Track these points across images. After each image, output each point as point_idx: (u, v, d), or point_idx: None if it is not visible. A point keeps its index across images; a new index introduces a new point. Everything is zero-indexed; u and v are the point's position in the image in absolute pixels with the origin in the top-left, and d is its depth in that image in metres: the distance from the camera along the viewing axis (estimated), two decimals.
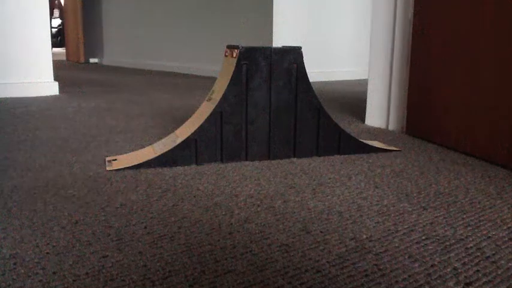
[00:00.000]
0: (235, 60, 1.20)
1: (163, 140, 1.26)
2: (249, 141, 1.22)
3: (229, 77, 1.19)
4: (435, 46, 1.44)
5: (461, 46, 1.33)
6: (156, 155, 1.16)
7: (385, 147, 1.37)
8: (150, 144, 1.41)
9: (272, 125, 1.24)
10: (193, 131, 1.17)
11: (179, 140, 1.18)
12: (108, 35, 6.17)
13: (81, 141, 1.44)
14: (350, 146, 1.31)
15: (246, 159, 1.23)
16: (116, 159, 1.20)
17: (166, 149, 1.16)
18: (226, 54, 1.27)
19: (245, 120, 1.21)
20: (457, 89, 1.35)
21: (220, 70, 1.31)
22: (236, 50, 1.20)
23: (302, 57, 1.24)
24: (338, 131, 1.30)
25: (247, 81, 1.20)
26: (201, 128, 1.18)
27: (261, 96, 1.22)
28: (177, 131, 1.26)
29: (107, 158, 1.21)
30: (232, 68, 1.19)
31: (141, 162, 1.14)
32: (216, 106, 1.18)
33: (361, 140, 1.35)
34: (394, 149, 1.37)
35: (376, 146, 1.36)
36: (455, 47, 1.35)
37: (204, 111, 1.23)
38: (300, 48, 1.23)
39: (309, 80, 1.26)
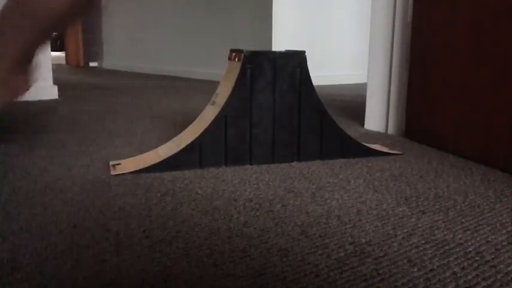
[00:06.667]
0: (239, 64, 1.19)
1: (167, 144, 1.25)
2: (253, 145, 1.22)
3: (234, 81, 1.19)
4: (434, 49, 1.45)
5: (461, 49, 1.33)
6: (161, 159, 1.15)
7: (388, 151, 1.37)
8: (150, 147, 1.41)
9: (276, 128, 1.24)
10: (197, 135, 1.17)
11: (183, 144, 1.18)
12: (108, 38, 6.18)
13: (80, 145, 1.44)
14: (353, 149, 1.31)
15: (250, 163, 1.23)
16: (119, 164, 1.19)
17: (171, 153, 1.16)
18: (230, 58, 1.27)
19: (249, 123, 1.21)
20: (456, 93, 1.35)
21: (223, 74, 1.31)
22: (241, 54, 1.20)
23: (306, 61, 1.24)
24: (342, 135, 1.30)
25: (252, 85, 1.21)
26: (206, 132, 1.18)
27: (265, 99, 1.22)
28: (181, 135, 1.25)
29: (111, 162, 1.21)
30: (237, 72, 1.19)
31: (146, 166, 1.14)
32: (221, 110, 1.18)
33: (365, 144, 1.35)
34: (397, 152, 1.37)
35: (379, 149, 1.36)
36: (455, 50, 1.35)
37: (208, 115, 1.23)
38: (304, 52, 1.24)
39: (312, 84, 1.26)
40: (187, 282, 0.62)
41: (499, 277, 0.65)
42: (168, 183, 1.06)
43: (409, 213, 0.89)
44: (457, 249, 0.73)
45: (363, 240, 0.76)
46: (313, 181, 1.09)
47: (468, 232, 0.80)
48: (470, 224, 0.84)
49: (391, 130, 1.72)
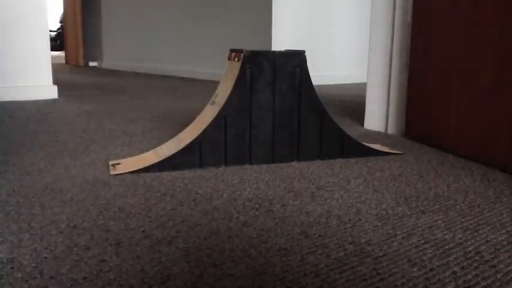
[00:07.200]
0: (239, 64, 1.20)
1: (167, 144, 1.25)
2: (253, 145, 1.22)
3: (234, 81, 1.19)
4: (434, 49, 1.45)
5: (460, 49, 1.33)
6: (160, 159, 1.15)
7: (388, 151, 1.37)
8: (149, 147, 1.41)
9: (275, 128, 1.24)
10: (197, 135, 1.17)
11: (183, 144, 1.18)
12: (107, 38, 6.18)
13: (79, 145, 1.44)
14: (353, 149, 1.32)
15: (250, 163, 1.23)
16: (119, 163, 1.19)
17: (171, 153, 1.16)
18: (230, 57, 1.27)
19: (249, 123, 1.21)
20: (456, 93, 1.35)
21: (223, 73, 1.31)
22: (240, 54, 1.20)
23: (306, 61, 1.24)
24: (341, 135, 1.30)
25: (251, 85, 1.21)
26: (206, 132, 1.18)
27: (264, 99, 1.22)
28: (181, 135, 1.25)
29: (110, 162, 1.21)
30: (237, 72, 1.20)
31: (145, 166, 1.14)
32: (221, 110, 1.18)
33: (365, 144, 1.35)
34: (397, 152, 1.37)
35: (379, 149, 1.36)
36: (454, 51, 1.35)
37: (207, 114, 1.23)
38: (303, 52, 1.24)
39: (312, 84, 1.26)
40: (187, 282, 0.62)
41: (498, 277, 0.65)
42: (168, 183, 1.06)
43: (409, 213, 0.89)
44: (457, 249, 0.73)
45: (363, 240, 0.76)
46: (312, 181, 1.09)
47: (468, 232, 0.80)
48: (470, 224, 0.84)
49: (391, 130, 1.72)
